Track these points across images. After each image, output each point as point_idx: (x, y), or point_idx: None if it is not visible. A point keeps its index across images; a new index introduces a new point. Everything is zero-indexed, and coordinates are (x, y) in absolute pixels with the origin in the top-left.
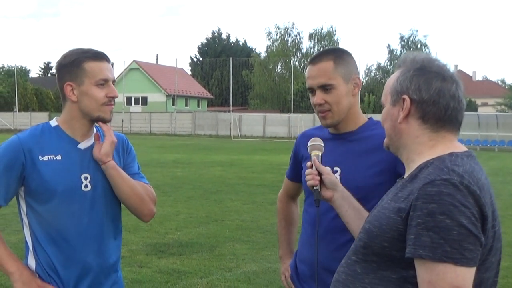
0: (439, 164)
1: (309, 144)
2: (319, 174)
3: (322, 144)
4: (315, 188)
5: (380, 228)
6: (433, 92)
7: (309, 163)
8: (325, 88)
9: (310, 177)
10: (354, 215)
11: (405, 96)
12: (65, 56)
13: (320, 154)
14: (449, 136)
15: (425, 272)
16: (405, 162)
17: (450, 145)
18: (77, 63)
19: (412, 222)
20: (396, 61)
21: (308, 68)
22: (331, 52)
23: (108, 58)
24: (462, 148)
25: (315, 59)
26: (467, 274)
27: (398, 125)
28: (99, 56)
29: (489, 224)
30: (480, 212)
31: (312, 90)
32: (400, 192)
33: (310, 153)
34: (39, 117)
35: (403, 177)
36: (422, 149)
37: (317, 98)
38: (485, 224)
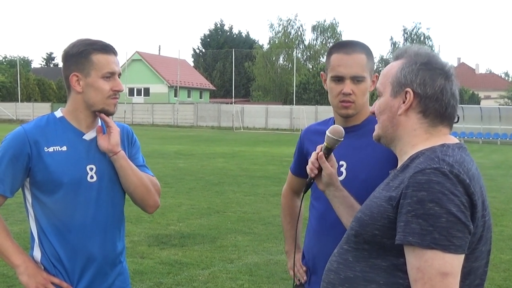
0: (430, 154)
1: (327, 132)
2: (320, 169)
3: (340, 139)
4: (310, 177)
5: (371, 217)
6: (437, 88)
7: (314, 154)
8: (357, 79)
9: (311, 166)
10: (346, 212)
11: (409, 89)
12: (73, 46)
13: (331, 147)
14: (444, 130)
15: (414, 258)
16: (398, 154)
17: (443, 137)
18: (85, 54)
19: (402, 210)
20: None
21: (339, 56)
22: (363, 46)
23: (115, 51)
24: (454, 140)
25: (349, 49)
26: (455, 261)
27: (397, 117)
28: (107, 49)
29: (478, 213)
30: (469, 200)
31: (340, 79)
32: (392, 182)
33: (324, 142)
34: (41, 108)
35: (395, 169)
36: (416, 141)
37: (347, 87)
38: (475, 213)
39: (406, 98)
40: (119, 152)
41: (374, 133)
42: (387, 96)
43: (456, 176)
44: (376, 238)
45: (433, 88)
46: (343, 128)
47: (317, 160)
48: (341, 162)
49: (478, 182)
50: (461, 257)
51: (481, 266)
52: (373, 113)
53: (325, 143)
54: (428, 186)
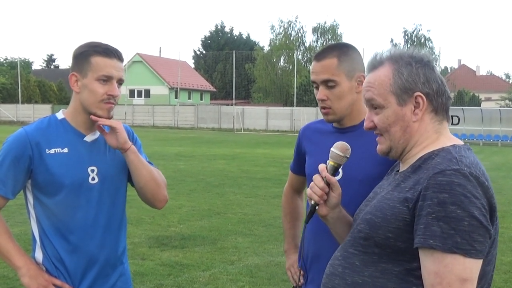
0: (446, 155)
1: (333, 149)
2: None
3: (347, 156)
4: (313, 203)
5: (384, 219)
6: (439, 81)
7: (318, 178)
8: (328, 84)
9: (318, 192)
10: (348, 230)
11: (419, 93)
12: (79, 47)
13: (337, 166)
14: (447, 125)
15: (432, 263)
16: (405, 158)
17: (449, 137)
18: (85, 55)
19: (422, 212)
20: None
21: (313, 63)
22: (336, 48)
23: (119, 56)
24: (460, 141)
25: (320, 55)
26: (475, 266)
27: (411, 124)
28: (109, 52)
29: (496, 216)
30: (488, 203)
31: (316, 85)
32: (403, 182)
33: (328, 161)
34: (42, 109)
35: (398, 170)
36: (428, 143)
37: (320, 93)
38: (493, 216)
39: (417, 103)
40: (130, 147)
41: (382, 148)
42: (394, 107)
43: (476, 178)
44: (389, 241)
45: (436, 82)
46: (341, 128)
47: (325, 183)
48: None
49: (491, 184)
50: (480, 262)
51: (491, 270)
52: (369, 129)
53: (330, 162)
54: (450, 188)
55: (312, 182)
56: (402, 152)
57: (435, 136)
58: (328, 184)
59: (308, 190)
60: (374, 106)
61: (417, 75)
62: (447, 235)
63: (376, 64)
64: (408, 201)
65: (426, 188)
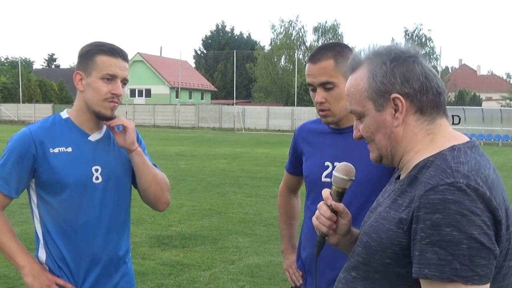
0: (440, 164)
1: (334, 173)
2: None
3: (352, 179)
4: (322, 233)
5: (379, 243)
6: (421, 77)
7: (324, 208)
8: (326, 86)
9: (326, 223)
10: None
11: (396, 95)
12: (84, 46)
13: (343, 191)
14: (444, 122)
15: None
16: (400, 165)
17: (447, 135)
18: (90, 54)
19: (416, 236)
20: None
21: (308, 65)
22: (331, 49)
23: (124, 56)
24: (462, 138)
25: (315, 57)
26: None
27: (394, 130)
28: (113, 52)
29: (503, 230)
30: (492, 217)
31: (313, 88)
32: (400, 198)
33: (332, 186)
34: (42, 109)
35: (399, 176)
36: (420, 147)
37: (318, 96)
38: (499, 230)
39: (396, 105)
40: (135, 149)
41: (373, 156)
42: (372, 113)
43: (475, 190)
44: (388, 267)
45: (418, 79)
46: (338, 129)
47: (332, 212)
48: (336, 163)
49: (499, 188)
50: (486, 286)
51: (510, 284)
52: (359, 138)
53: (334, 188)
54: (443, 207)
55: (317, 212)
56: (393, 160)
57: (429, 138)
58: (335, 211)
59: (314, 221)
60: (356, 116)
61: (392, 76)
62: (445, 261)
63: (354, 65)
64: (402, 222)
65: (418, 209)
